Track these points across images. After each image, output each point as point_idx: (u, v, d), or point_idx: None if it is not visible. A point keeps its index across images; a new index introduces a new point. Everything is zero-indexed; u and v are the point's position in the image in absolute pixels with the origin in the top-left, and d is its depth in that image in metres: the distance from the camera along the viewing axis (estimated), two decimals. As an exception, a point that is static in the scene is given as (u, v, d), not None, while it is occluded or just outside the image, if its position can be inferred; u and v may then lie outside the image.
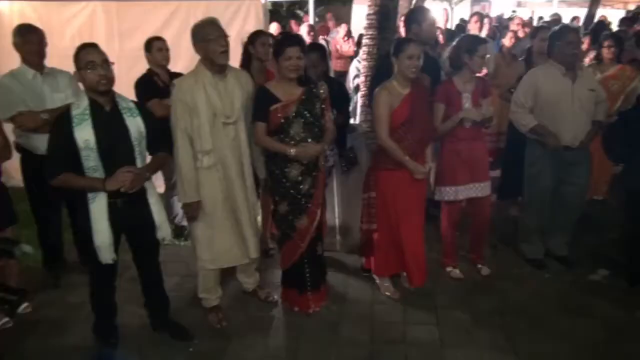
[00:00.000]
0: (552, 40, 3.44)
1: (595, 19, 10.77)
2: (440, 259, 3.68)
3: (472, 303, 3.31)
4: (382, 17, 4.34)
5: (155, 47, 3.76)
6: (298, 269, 3.11)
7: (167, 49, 3.81)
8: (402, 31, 4.32)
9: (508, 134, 4.58)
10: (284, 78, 2.86)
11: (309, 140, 2.89)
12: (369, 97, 3.61)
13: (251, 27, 4.42)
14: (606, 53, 4.40)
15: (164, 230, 2.71)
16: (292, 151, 2.83)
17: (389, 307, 3.27)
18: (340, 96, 3.55)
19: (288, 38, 3.02)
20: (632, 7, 15.75)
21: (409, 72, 2.99)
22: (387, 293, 3.38)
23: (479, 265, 3.69)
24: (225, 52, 2.73)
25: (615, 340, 2.94)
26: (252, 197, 3.05)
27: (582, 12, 11.69)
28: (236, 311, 3.23)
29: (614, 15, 12.36)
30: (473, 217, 3.61)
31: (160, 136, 2.73)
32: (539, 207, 3.68)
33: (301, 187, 2.95)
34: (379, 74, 3.56)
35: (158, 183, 4.01)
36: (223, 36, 2.72)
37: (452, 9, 14.86)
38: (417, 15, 3.68)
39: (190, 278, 3.41)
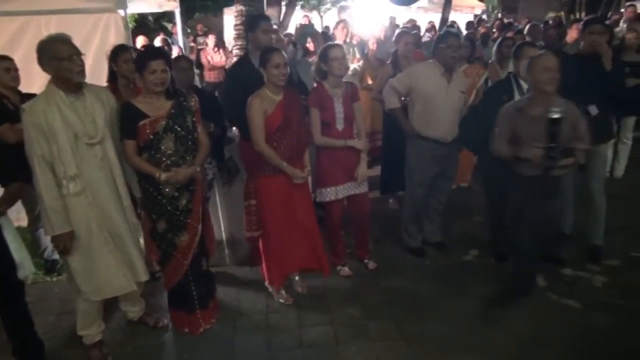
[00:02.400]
0: (436, 43, 3.73)
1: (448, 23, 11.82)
2: (329, 259, 3.77)
3: (362, 297, 3.44)
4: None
5: (0, 67, 3.40)
6: (184, 288, 3.00)
7: (15, 69, 3.48)
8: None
9: (384, 132, 4.84)
10: (150, 92, 2.76)
11: (183, 154, 2.81)
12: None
13: (112, 41, 4.17)
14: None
15: (26, 269, 2.47)
16: (162, 177, 2.73)
17: (284, 313, 3.29)
18: (212, 108, 3.49)
19: (151, 51, 2.92)
20: (478, 11, 17.57)
21: (278, 80, 3.05)
22: (281, 300, 3.39)
23: (366, 260, 3.85)
24: (80, 72, 2.55)
25: (490, 309, 3.24)
26: (132, 218, 2.88)
27: (437, 17, 12.76)
28: (123, 343, 3.04)
29: (463, 19, 13.68)
30: (354, 214, 3.75)
31: (13, 164, 2.47)
32: (418, 199, 3.94)
33: (178, 203, 2.85)
34: (228, 84, 3.56)
35: (20, 215, 3.66)
36: (77, 54, 2.55)
37: (321, 16, 15.46)
38: (250, 23, 3.70)
39: (67, 315, 3.15)
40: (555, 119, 2.77)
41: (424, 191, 3.90)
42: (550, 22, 9.53)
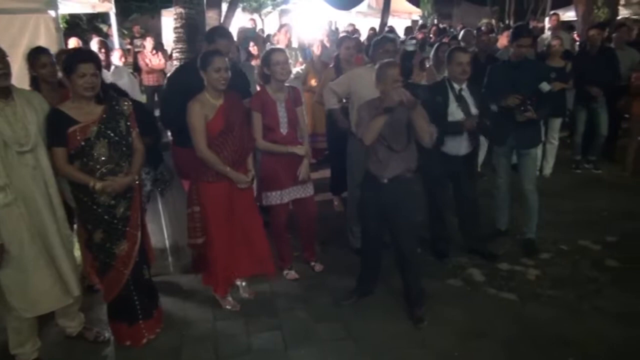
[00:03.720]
0: (374, 48, 3.80)
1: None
2: (276, 263, 3.77)
3: (310, 300, 3.46)
4: (190, 30, 4.29)
5: None
6: (126, 299, 2.90)
7: None
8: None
9: (329, 134, 4.89)
10: (80, 97, 2.64)
11: (118, 160, 2.72)
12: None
13: (42, 43, 4.00)
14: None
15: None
16: (97, 186, 2.62)
17: (231, 320, 3.25)
18: (143, 116, 3.29)
19: (80, 54, 2.80)
20: (415, 17, 18.16)
21: (219, 84, 3.01)
22: (228, 307, 3.35)
23: (312, 263, 3.88)
24: (4, 75, 2.43)
25: (433, 305, 3.33)
26: (65, 230, 2.76)
27: (376, 22, 13.06)
28: (60, 361, 2.90)
29: (401, 24, 14.09)
30: (300, 217, 3.76)
31: None
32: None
33: (115, 211, 2.75)
34: (170, 86, 3.49)
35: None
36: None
37: (262, 20, 15.42)
38: (210, 34, 3.63)
39: (-2, 334, 2.95)
40: (411, 52, 2.89)
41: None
42: (483, 28, 9.99)
